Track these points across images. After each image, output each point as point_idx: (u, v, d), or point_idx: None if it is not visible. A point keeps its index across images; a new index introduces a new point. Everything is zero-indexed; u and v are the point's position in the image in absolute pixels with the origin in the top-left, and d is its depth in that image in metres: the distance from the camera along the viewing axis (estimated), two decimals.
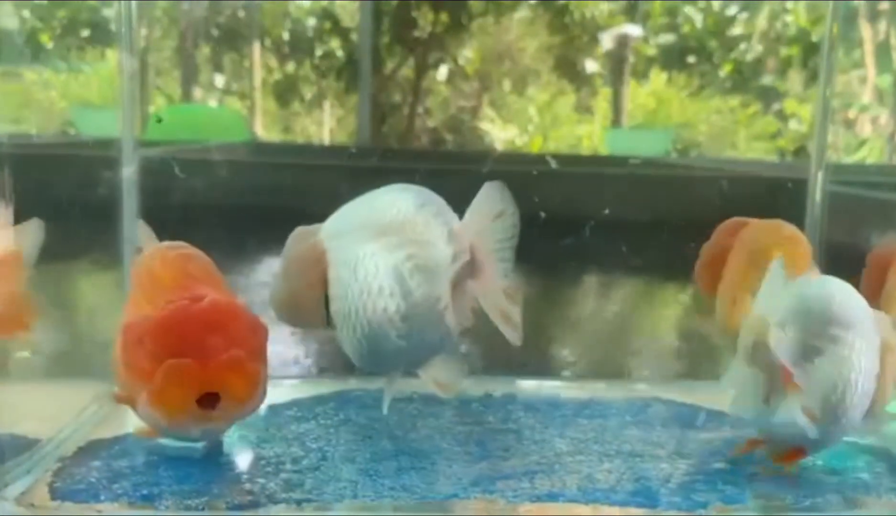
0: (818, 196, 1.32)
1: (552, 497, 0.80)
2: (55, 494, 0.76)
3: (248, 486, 0.79)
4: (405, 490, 0.80)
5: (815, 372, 0.81)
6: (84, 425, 0.93)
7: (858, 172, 1.47)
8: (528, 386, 1.14)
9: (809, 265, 0.97)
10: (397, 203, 0.84)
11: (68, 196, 1.12)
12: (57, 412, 0.93)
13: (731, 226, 1.05)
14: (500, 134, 6.62)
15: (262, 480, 0.81)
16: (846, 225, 1.33)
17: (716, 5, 6.66)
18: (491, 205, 0.86)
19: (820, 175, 1.32)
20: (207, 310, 0.79)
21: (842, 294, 0.83)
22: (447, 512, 0.78)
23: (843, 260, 1.23)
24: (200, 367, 0.77)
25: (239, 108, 5.73)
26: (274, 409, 1.00)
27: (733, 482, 0.84)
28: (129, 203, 1.21)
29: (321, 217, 0.94)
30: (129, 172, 1.21)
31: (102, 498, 0.76)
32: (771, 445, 0.87)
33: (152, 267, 0.87)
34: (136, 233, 1.15)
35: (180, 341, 0.77)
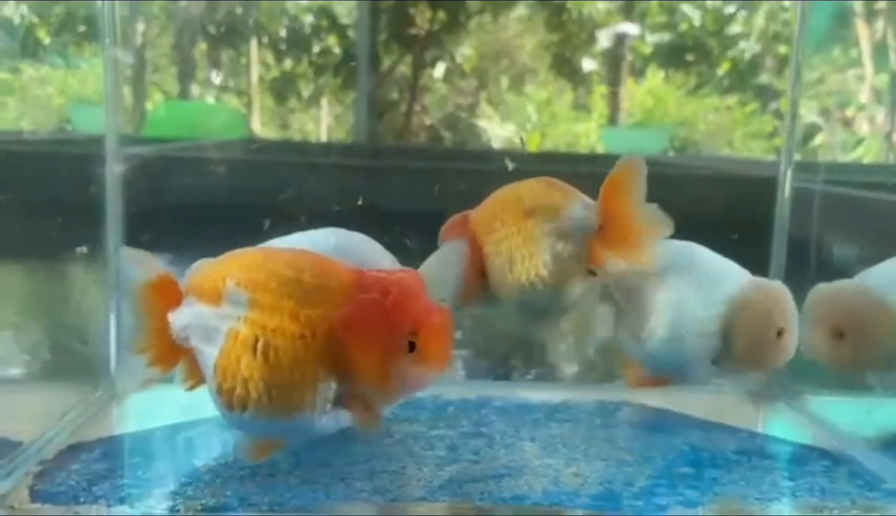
0: (787, 193, 1.33)
1: (517, 499, 0.83)
2: (35, 497, 0.79)
3: (223, 489, 0.82)
4: (377, 493, 0.83)
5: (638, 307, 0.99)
6: (66, 428, 0.95)
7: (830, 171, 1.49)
8: (502, 389, 1.17)
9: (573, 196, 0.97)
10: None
11: (53, 193, 1.13)
12: (39, 414, 0.96)
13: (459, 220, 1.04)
14: (497, 131, 6.65)
15: (236, 483, 0.83)
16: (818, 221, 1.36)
17: (714, 4, 6.66)
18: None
19: (789, 172, 1.34)
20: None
21: (681, 248, 1.00)
22: (413, 514, 0.80)
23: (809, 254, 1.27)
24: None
25: (237, 105, 5.75)
26: None
27: (694, 486, 0.87)
28: (114, 201, 1.21)
29: (322, 213, 0.97)
30: (113, 170, 1.21)
31: (82, 499, 0.79)
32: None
33: None
34: (119, 230, 1.19)
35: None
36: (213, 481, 0.84)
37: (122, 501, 0.78)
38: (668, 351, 0.97)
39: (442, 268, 0.97)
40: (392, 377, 0.76)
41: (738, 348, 0.95)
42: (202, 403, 0.89)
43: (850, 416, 1.08)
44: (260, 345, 0.74)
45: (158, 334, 0.82)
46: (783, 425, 1.12)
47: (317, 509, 0.79)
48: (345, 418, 0.78)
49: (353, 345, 0.74)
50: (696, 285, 0.97)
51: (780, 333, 0.94)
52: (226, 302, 0.77)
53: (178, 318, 0.81)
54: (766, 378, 1.14)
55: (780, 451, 1.00)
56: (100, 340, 1.16)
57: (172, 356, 0.83)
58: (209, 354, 0.78)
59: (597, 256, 0.92)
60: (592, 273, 0.93)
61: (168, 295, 0.82)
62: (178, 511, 0.77)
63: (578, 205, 0.93)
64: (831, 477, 0.91)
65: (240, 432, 0.82)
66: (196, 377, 0.83)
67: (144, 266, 0.83)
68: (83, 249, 1.19)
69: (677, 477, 0.89)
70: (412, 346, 0.75)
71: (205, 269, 0.81)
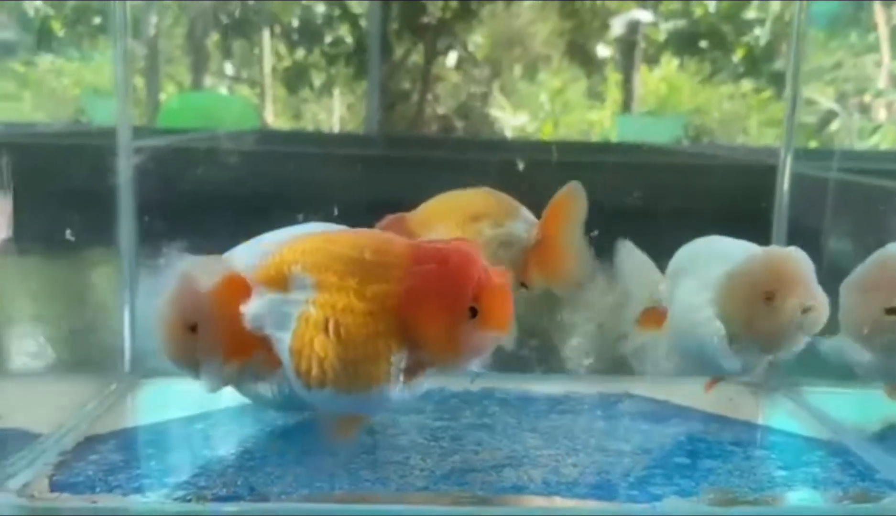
0: (786, 180, 1.34)
1: (517, 489, 0.86)
2: (54, 486, 0.82)
3: (233, 479, 0.85)
4: (380, 483, 0.86)
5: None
6: (84, 420, 0.99)
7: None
8: (506, 381, 1.19)
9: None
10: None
11: (67, 185, 1.16)
12: (57, 407, 0.99)
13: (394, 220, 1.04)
14: (510, 120, 6.63)
15: (247, 473, 0.87)
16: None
17: None
18: None
19: (789, 159, 1.35)
20: None
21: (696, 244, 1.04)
22: (419, 503, 0.83)
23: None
24: None
25: (249, 96, 5.77)
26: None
27: (690, 476, 0.90)
28: (127, 192, 1.23)
29: (333, 204, 1.00)
30: (126, 161, 1.23)
31: (98, 490, 0.82)
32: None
33: None
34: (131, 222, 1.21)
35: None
36: (224, 471, 0.88)
37: (136, 491, 0.82)
38: (682, 346, 1.01)
39: None
40: (459, 343, 0.78)
41: (730, 323, 0.95)
42: (213, 395, 0.93)
43: (845, 407, 1.09)
44: (331, 325, 0.76)
45: (234, 327, 0.82)
46: (781, 416, 1.14)
47: (322, 498, 0.82)
48: (419, 386, 0.80)
49: (418, 315, 0.76)
50: (695, 273, 1.00)
51: (769, 297, 0.92)
52: (293, 287, 0.79)
53: (251, 309, 0.81)
54: (788, 354, 1.00)
55: (775, 442, 1.02)
56: (114, 332, 1.19)
57: (249, 347, 0.83)
58: (283, 340, 0.79)
59: (529, 272, 0.97)
60: (524, 286, 0.97)
61: (239, 290, 0.82)
62: (190, 500, 0.81)
63: (522, 219, 0.98)
64: (825, 467, 0.93)
65: (321, 413, 0.83)
66: (272, 364, 0.83)
67: (209, 269, 0.84)
68: (70, 236, 1.20)
69: (673, 467, 0.92)
70: (474, 312, 0.77)
71: (269, 259, 0.81)
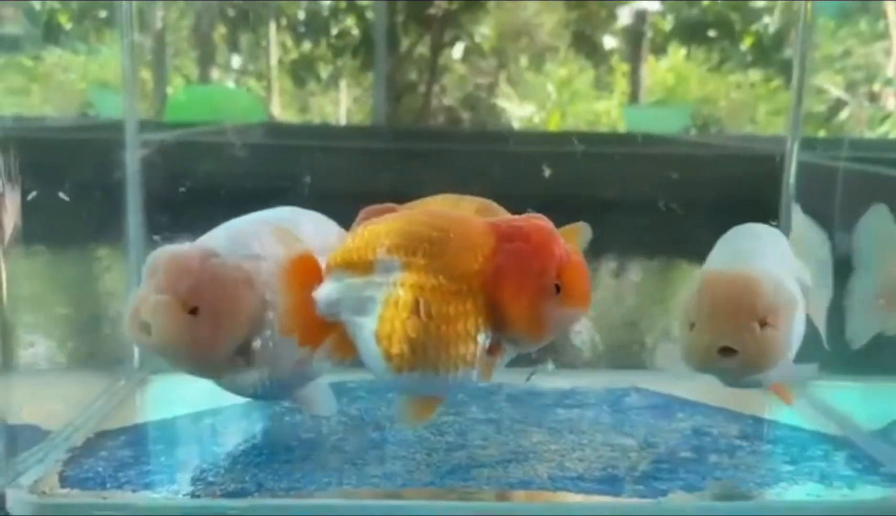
0: (793, 169, 1.34)
1: (523, 484, 0.86)
2: (65, 482, 0.83)
3: (241, 475, 0.86)
4: (387, 478, 0.87)
5: None
6: (93, 416, 1.00)
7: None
8: (513, 376, 1.20)
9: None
10: None
11: (75, 179, 1.16)
12: (67, 403, 1.00)
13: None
14: (517, 111, 6.62)
15: (255, 469, 0.87)
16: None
17: None
18: None
19: (795, 148, 1.34)
20: None
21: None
22: (425, 499, 0.84)
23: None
24: None
25: (256, 89, 5.77)
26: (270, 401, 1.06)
27: (695, 470, 0.90)
28: (135, 186, 1.24)
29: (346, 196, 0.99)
30: (133, 155, 1.24)
31: (108, 485, 0.83)
32: None
33: None
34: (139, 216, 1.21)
35: None
36: (233, 467, 0.89)
37: (146, 487, 0.83)
38: None
39: None
40: (544, 320, 0.78)
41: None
42: (221, 391, 0.94)
43: (850, 401, 1.09)
44: (421, 306, 0.76)
45: (305, 313, 0.82)
46: (786, 410, 1.14)
47: (330, 494, 0.83)
48: (498, 366, 0.81)
49: (506, 293, 0.77)
50: None
51: (691, 328, 0.86)
52: (378, 270, 0.78)
53: (326, 294, 0.81)
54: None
55: (781, 436, 1.03)
56: (123, 327, 1.19)
57: (320, 333, 0.83)
58: (365, 325, 0.78)
59: None
60: None
61: (310, 273, 0.83)
62: (199, 496, 0.81)
63: None
64: (830, 461, 0.93)
65: (399, 397, 0.83)
66: (345, 350, 0.82)
67: (287, 245, 0.84)
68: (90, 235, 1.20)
69: (679, 461, 0.92)
70: (557, 289, 0.78)
71: (348, 243, 0.81)
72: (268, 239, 0.89)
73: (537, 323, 0.78)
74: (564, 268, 0.78)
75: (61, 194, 1.11)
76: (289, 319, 0.83)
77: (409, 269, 0.77)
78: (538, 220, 0.81)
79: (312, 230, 0.93)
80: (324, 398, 0.97)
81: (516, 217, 0.82)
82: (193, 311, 0.82)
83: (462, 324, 0.77)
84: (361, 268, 0.79)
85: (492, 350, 0.79)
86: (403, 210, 0.99)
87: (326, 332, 0.82)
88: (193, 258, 0.84)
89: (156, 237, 1.15)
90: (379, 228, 0.80)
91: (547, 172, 1.54)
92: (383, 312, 0.77)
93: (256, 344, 0.87)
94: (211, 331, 0.83)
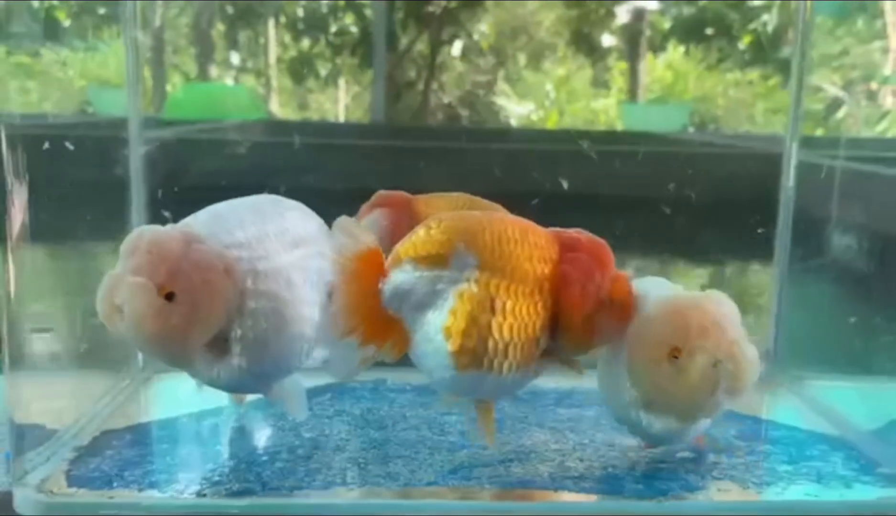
0: (792, 168, 1.34)
1: (524, 484, 0.87)
2: (71, 481, 0.84)
3: (245, 474, 0.87)
4: (390, 478, 0.87)
5: None
6: (99, 415, 1.01)
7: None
8: None
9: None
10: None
11: (78, 176, 1.16)
12: (73, 402, 1.01)
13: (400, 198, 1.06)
14: (515, 109, 6.63)
15: (258, 469, 0.88)
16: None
17: None
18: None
19: (794, 147, 1.35)
20: None
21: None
22: (427, 498, 0.85)
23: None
24: None
25: (255, 86, 5.77)
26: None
27: (695, 470, 0.91)
28: (138, 183, 1.24)
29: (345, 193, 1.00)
30: (137, 152, 1.24)
31: (115, 484, 0.84)
32: None
33: None
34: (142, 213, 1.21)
35: None
36: (237, 466, 0.89)
37: (151, 486, 0.84)
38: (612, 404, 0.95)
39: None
40: (595, 329, 0.82)
41: (640, 387, 0.86)
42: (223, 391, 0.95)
43: (848, 402, 1.10)
44: (498, 304, 0.78)
45: (370, 309, 0.79)
46: (785, 411, 1.15)
47: (334, 493, 0.84)
48: (545, 372, 0.84)
49: (569, 300, 0.80)
50: None
51: (674, 355, 0.81)
52: (453, 265, 0.78)
53: (394, 286, 0.79)
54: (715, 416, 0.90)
55: (779, 436, 1.04)
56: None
57: (384, 332, 0.80)
58: (431, 319, 0.78)
59: None
60: None
61: (376, 267, 0.80)
62: (205, 495, 0.82)
63: None
64: (828, 461, 0.94)
65: (466, 400, 0.85)
66: (400, 348, 0.81)
67: (355, 237, 0.80)
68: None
69: (679, 461, 0.93)
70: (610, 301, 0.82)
71: (422, 235, 0.80)
72: (251, 227, 0.86)
73: (591, 331, 0.82)
74: (615, 282, 0.82)
75: (64, 191, 1.12)
76: (352, 316, 0.79)
77: (485, 268, 0.78)
78: (588, 233, 0.84)
79: (297, 218, 0.91)
80: (298, 400, 0.94)
81: (568, 230, 0.84)
82: (169, 297, 0.78)
83: (530, 326, 0.79)
84: (435, 262, 0.78)
85: (545, 354, 0.82)
86: (418, 201, 1.01)
87: (389, 330, 0.80)
88: (175, 241, 0.80)
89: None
90: (455, 224, 0.80)
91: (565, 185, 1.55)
92: (456, 307, 0.78)
93: (234, 335, 0.83)
94: (186, 319, 0.78)
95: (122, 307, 0.77)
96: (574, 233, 0.84)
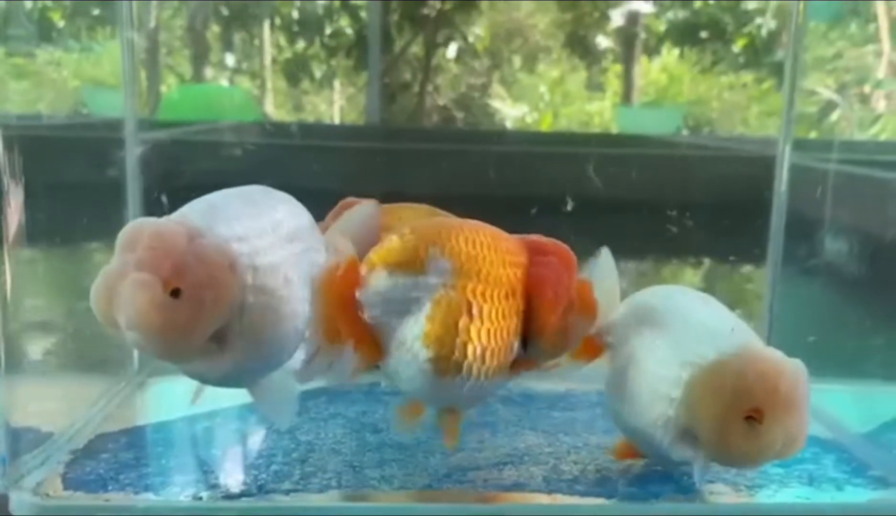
0: (785, 170, 1.35)
1: (518, 487, 0.88)
2: (67, 484, 0.84)
3: (241, 477, 0.88)
4: (385, 481, 0.88)
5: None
6: (94, 418, 1.01)
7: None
8: None
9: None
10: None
11: (73, 177, 1.16)
12: (68, 405, 1.01)
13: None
14: (510, 111, 6.64)
15: (255, 471, 0.89)
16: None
17: None
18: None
19: (787, 150, 1.36)
20: None
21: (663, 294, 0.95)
22: (421, 501, 0.85)
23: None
24: None
25: (249, 88, 5.77)
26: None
27: (688, 473, 0.91)
28: (134, 184, 1.24)
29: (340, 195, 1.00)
30: (132, 153, 1.24)
31: (110, 487, 0.84)
32: None
33: None
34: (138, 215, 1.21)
35: None
36: (233, 469, 0.90)
37: (147, 489, 0.84)
38: (623, 411, 0.89)
39: (356, 226, 0.90)
40: (568, 331, 0.83)
41: (696, 425, 0.81)
42: (220, 394, 0.95)
43: (839, 404, 1.11)
44: (475, 309, 0.78)
45: (354, 318, 0.79)
46: None
47: (329, 496, 0.84)
48: (518, 377, 0.85)
49: (544, 303, 0.81)
50: (667, 337, 0.86)
51: (753, 418, 0.77)
52: (430, 271, 0.78)
53: (373, 294, 0.78)
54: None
55: None
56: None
57: (370, 339, 0.80)
58: (409, 326, 0.78)
59: None
60: None
61: (354, 275, 0.79)
62: (201, 498, 0.83)
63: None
64: (819, 464, 0.95)
65: (444, 404, 0.83)
66: (374, 356, 0.80)
67: (339, 248, 0.80)
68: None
69: (672, 465, 0.94)
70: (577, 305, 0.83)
71: (395, 242, 0.79)
72: (248, 220, 0.82)
73: (564, 333, 0.82)
74: (581, 285, 0.84)
75: (60, 193, 1.12)
76: (334, 326, 0.78)
77: (460, 273, 0.78)
78: (548, 238, 0.84)
79: (289, 211, 0.89)
80: (285, 405, 0.90)
81: (531, 235, 0.85)
82: (175, 293, 0.73)
83: (506, 331, 0.80)
84: (411, 267, 0.78)
85: (518, 361, 0.83)
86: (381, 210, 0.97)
87: (373, 338, 0.80)
88: (179, 235, 0.75)
89: None
90: (430, 229, 0.80)
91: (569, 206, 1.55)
92: (433, 313, 0.77)
93: (233, 331, 0.79)
94: (191, 315, 0.74)
95: (124, 304, 0.73)
96: (537, 237, 0.84)
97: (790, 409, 0.77)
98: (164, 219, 0.79)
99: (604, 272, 0.93)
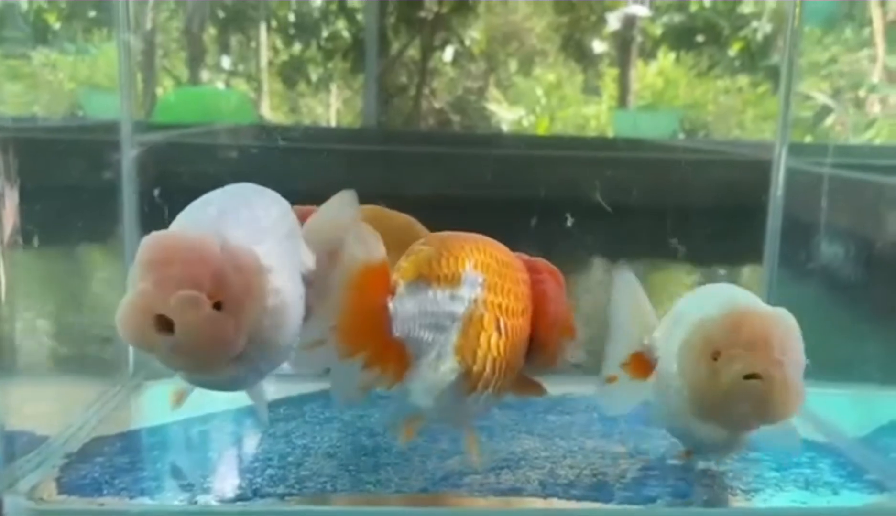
0: (781, 174, 1.35)
1: (514, 491, 0.87)
2: (62, 489, 0.84)
3: (237, 481, 0.87)
4: (381, 485, 0.88)
5: None
6: (89, 422, 1.01)
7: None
8: None
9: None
10: None
11: (68, 180, 1.16)
12: (63, 408, 1.01)
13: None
14: (506, 115, 6.64)
15: (250, 475, 0.88)
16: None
17: None
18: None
19: (784, 152, 1.35)
20: None
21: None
22: (418, 505, 0.85)
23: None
24: None
25: (246, 90, 5.77)
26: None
27: (684, 477, 0.92)
28: (130, 187, 1.23)
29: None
30: (128, 156, 1.23)
31: (105, 491, 0.84)
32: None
33: None
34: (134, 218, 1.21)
35: None
36: (228, 472, 0.90)
37: (142, 493, 0.84)
38: (662, 409, 0.92)
39: (334, 215, 0.88)
40: (557, 351, 0.84)
41: (688, 389, 0.83)
42: (215, 398, 0.94)
43: (836, 409, 1.11)
44: (501, 325, 0.78)
45: (376, 328, 0.74)
46: None
47: (325, 500, 0.84)
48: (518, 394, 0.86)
49: (547, 319, 0.82)
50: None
51: (714, 357, 0.79)
52: (464, 284, 0.76)
53: (408, 306, 0.75)
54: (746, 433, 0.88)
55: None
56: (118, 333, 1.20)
57: (390, 353, 0.75)
58: (442, 341, 0.75)
59: None
60: None
61: (385, 283, 0.75)
62: (196, 502, 0.82)
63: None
64: (815, 468, 0.95)
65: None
66: (400, 373, 0.76)
67: (368, 246, 0.74)
68: None
69: (668, 468, 0.94)
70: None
71: (430, 253, 0.77)
72: (254, 222, 0.80)
73: (556, 352, 0.84)
74: (567, 305, 0.85)
75: (55, 195, 1.12)
76: (357, 336, 0.74)
77: (489, 288, 0.78)
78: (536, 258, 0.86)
79: (279, 210, 0.86)
80: (263, 406, 0.93)
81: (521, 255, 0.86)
82: (217, 306, 0.71)
83: (520, 346, 0.81)
84: (448, 280, 0.76)
85: (523, 379, 0.84)
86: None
87: (395, 353, 0.75)
88: (213, 246, 0.73)
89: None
90: (457, 242, 0.78)
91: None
92: (465, 328, 0.76)
93: (254, 335, 0.76)
94: (235, 325, 0.72)
95: (177, 323, 0.70)
96: (526, 257, 0.85)
97: (754, 348, 0.78)
98: (181, 228, 0.77)
99: (630, 292, 0.96)
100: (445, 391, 0.76)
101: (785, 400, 0.78)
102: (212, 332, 0.71)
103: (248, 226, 0.79)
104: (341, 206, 0.87)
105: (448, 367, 0.76)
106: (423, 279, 0.76)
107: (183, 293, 0.70)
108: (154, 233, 0.75)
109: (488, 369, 0.77)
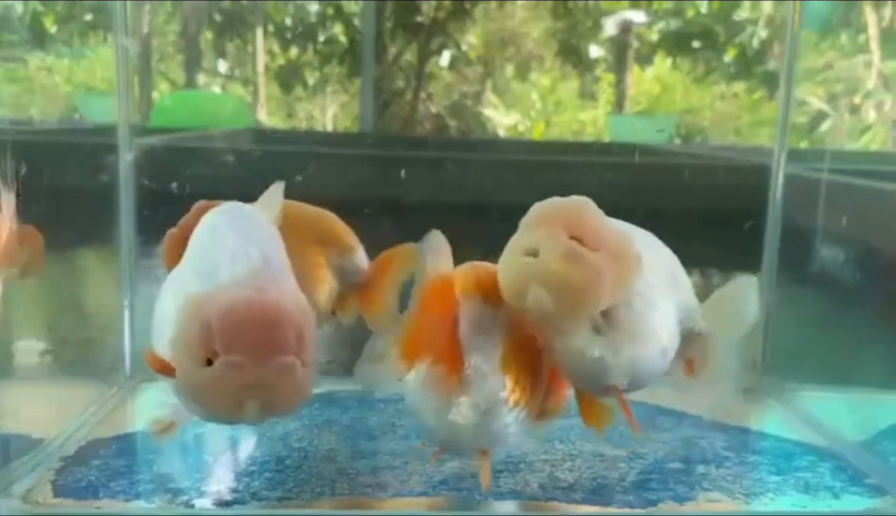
0: (780, 179, 1.35)
1: (514, 494, 0.87)
2: (57, 492, 0.83)
3: (234, 484, 0.87)
4: (379, 488, 0.87)
5: None
6: (85, 424, 1.00)
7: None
8: None
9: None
10: None
11: (65, 183, 1.16)
12: (59, 411, 1.00)
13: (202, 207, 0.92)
14: (503, 119, 6.65)
15: (247, 479, 0.88)
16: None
17: None
18: None
19: (783, 158, 1.35)
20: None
21: None
22: (417, 509, 0.85)
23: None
24: None
25: (242, 94, 5.76)
26: None
27: (685, 481, 0.91)
28: (127, 191, 1.23)
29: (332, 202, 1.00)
30: (125, 159, 1.23)
31: (101, 495, 0.83)
32: None
33: None
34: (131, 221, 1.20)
35: None
36: (225, 476, 0.89)
37: (138, 496, 0.83)
38: None
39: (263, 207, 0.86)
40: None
41: None
42: None
43: (836, 412, 1.11)
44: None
45: (446, 333, 0.76)
46: (773, 421, 1.16)
47: (323, 504, 0.84)
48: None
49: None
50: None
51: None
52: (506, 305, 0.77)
53: (473, 320, 0.77)
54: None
55: (767, 447, 1.04)
56: (115, 335, 1.19)
57: (456, 358, 0.76)
58: (488, 359, 0.77)
59: (346, 304, 1.00)
60: (335, 314, 1.00)
61: (453, 295, 0.77)
62: (193, 506, 0.82)
63: (360, 256, 1.01)
64: (816, 472, 0.95)
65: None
66: (454, 379, 0.76)
67: (444, 257, 0.77)
68: None
69: (668, 472, 0.93)
70: None
71: (487, 271, 0.78)
72: (267, 259, 0.75)
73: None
74: None
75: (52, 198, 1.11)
76: (427, 342, 0.76)
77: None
78: None
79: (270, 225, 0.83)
80: None
81: None
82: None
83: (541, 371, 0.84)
84: (496, 302, 0.77)
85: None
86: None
87: (460, 361, 0.76)
88: (291, 306, 0.70)
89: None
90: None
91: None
92: (508, 348, 0.78)
93: None
94: (311, 375, 0.72)
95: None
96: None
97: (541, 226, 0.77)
98: (245, 285, 0.70)
99: None
100: (492, 406, 0.76)
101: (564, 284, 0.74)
102: (304, 391, 0.71)
103: (283, 264, 0.77)
104: (270, 199, 0.87)
105: (498, 382, 0.76)
106: (482, 295, 0.78)
107: (280, 360, 0.67)
108: (230, 300, 0.68)
109: (521, 391, 0.79)
